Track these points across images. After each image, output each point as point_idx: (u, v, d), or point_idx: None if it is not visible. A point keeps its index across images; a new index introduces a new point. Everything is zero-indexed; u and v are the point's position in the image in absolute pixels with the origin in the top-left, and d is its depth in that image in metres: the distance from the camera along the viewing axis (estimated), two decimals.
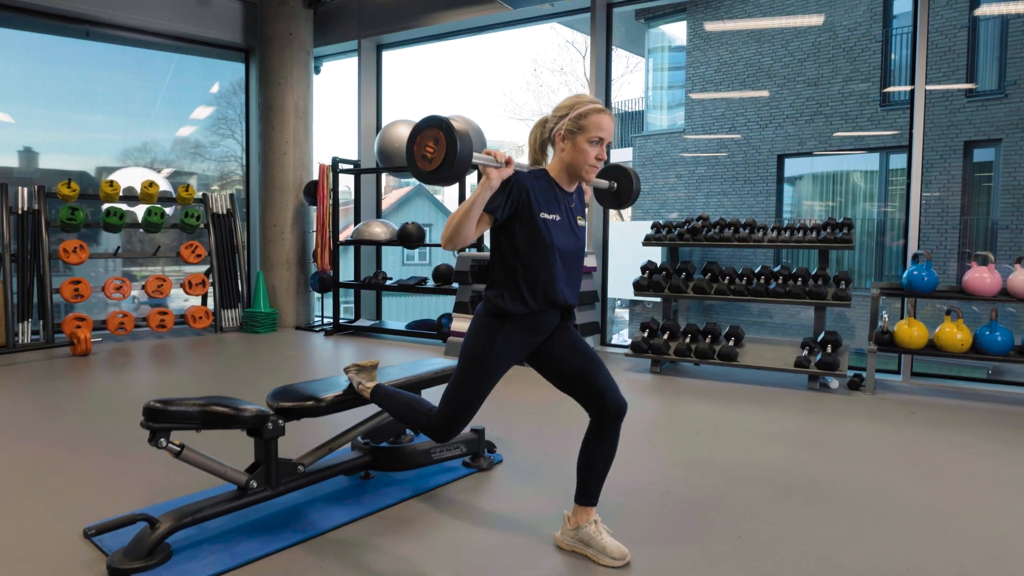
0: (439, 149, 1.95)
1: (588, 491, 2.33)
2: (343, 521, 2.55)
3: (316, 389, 2.69)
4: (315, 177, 7.76)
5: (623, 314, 11.47)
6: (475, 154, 1.98)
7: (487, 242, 7.19)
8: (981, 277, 4.52)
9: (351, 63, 8.20)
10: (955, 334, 4.51)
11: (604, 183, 2.64)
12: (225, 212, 7.43)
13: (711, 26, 11.84)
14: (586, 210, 2.46)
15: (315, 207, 7.55)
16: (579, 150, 2.20)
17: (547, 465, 3.21)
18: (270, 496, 2.52)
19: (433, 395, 4.47)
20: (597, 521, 2.32)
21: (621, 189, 2.67)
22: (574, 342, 2.35)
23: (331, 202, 7.36)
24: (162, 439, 2.24)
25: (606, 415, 2.26)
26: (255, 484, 2.46)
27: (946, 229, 9.81)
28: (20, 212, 6.15)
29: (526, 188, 2.17)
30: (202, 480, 2.82)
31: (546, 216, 2.20)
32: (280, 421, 2.50)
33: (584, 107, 2.20)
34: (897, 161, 10.20)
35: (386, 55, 8.20)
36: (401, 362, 5.65)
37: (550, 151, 2.33)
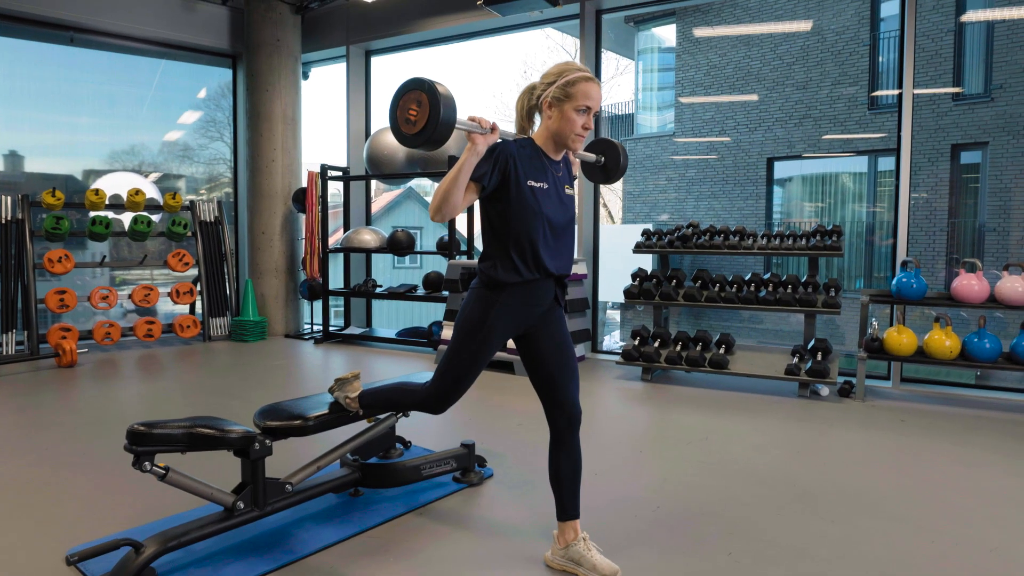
0: (422, 112, 1.92)
1: (565, 504, 2.33)
2: (332, 541, 2.52)
3: (303, 408, 2.66)
4: (304, 184, 7.71)
5: (614, 315, 11.47)
6: (459, 119, 1.95)
7: (479, 245, 7.17)
8: (969, 284, 4.54)
9: (339, 69, 8.16)
10: (944, 341, 4.52)
11: (591, 156, 2.62)
12: (213, 220, 7.38)
13: (700, 31, 11.86)
14: (575, 182, 2.43)
15: (304, 214, 7.51)
16: (566, 118, 2.18)
17: (538, 479, 3.18)
18: (257, 517, 2.49)
19: None
20: (586, 538, 2.31)
21: (609, 163, 2.64)
22: (560, 344, 2.33)
23: (320, 209, 7.32)
24: (146, 462, 2.21)
25: (560, 420, 2.29)
26: (242, 505, 2.43)
27: (934, 232, 9.86)
28: (4, 221, 6.08)
29: (512, 155, 2.15)
30: (189, 499, 2.78)
31: (533, 184, 2.18)
32: (267, 441, 2.47)
33: (572, 75, 2.17)
34: (885, 164, 10.25)
35: (375, 61, 8.16)
36: (390, 372, 5.63)
37: (537, 119, 2.30)
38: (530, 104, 2.29)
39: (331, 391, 2.70)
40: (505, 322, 2.22)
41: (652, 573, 2.31)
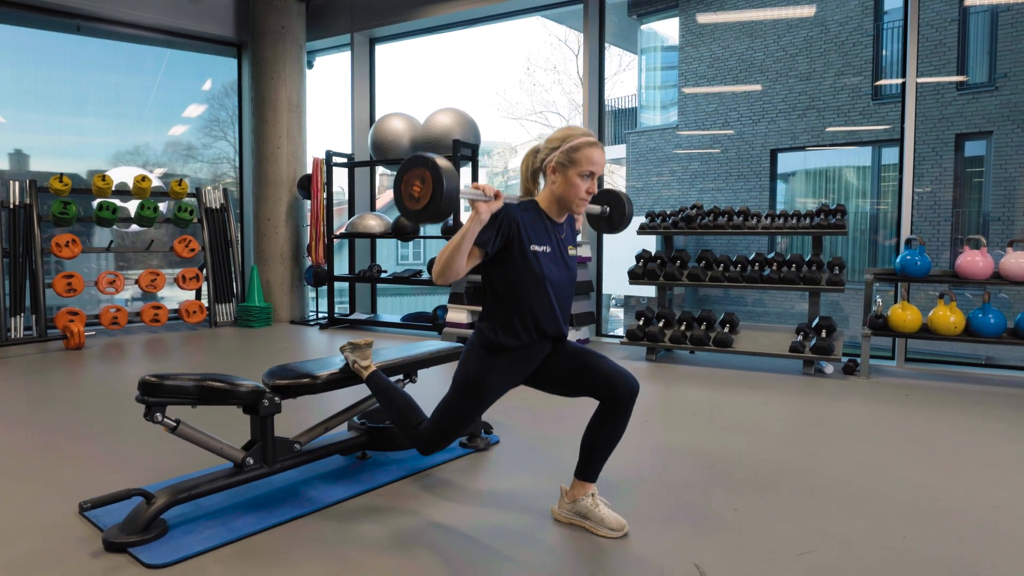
0: (425, 188, 1.95)
1: (590, 468, 2.32)
2: (340, 498, 2.54)
3: (312, 368, 2.69)
4: (309, 171, 7.75)
5: (617, 313, 11.47)
6: (463, 189, 1.98)
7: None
8: (974, 261, 4.54)
9: (344, 57, 8.19)
10: (948, 317, 4.53)
11: (596, 208, 2.65)
12: (218, 207, 7.41)
13: (703, 18, 11.87)
14: (577, 237, 2.46)
15: (309, 201, 7.54)
16: (570, 183, 2.20)
17: (544, 445, 3.21)
18: (267, 473, 2.51)
19: (430, 375, 4.46)
20: (594, 494, 2.32)
21: (614, 214, 2.68)
22: (567, 352, 2.34)
23: (325, 196, 7.35)
24: (158, 413, 2.23)
25: (619, 397, 2.23)
26: (251, 461, 2.46)
27: (938, 222, 9.86)
28: (12, 207, 6.11)
29: (516, 220, 2.17)
30: (197, 461, 2.81)
31: (536, 248, 2.20)
32: (276, 398, 2.49)
33: (576, 140, 2.20)
34: (889, 155, 10.25)
35: (379, 48, 8.19)
36: (398, 353, 5.64)
37: (542, 180, 2.32)
38: (534, 167, 2.31)
39: (342, 350, 2.72)
40: (502, 380, 2.27)
41: (659, 529, 2.33)
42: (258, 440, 2.50)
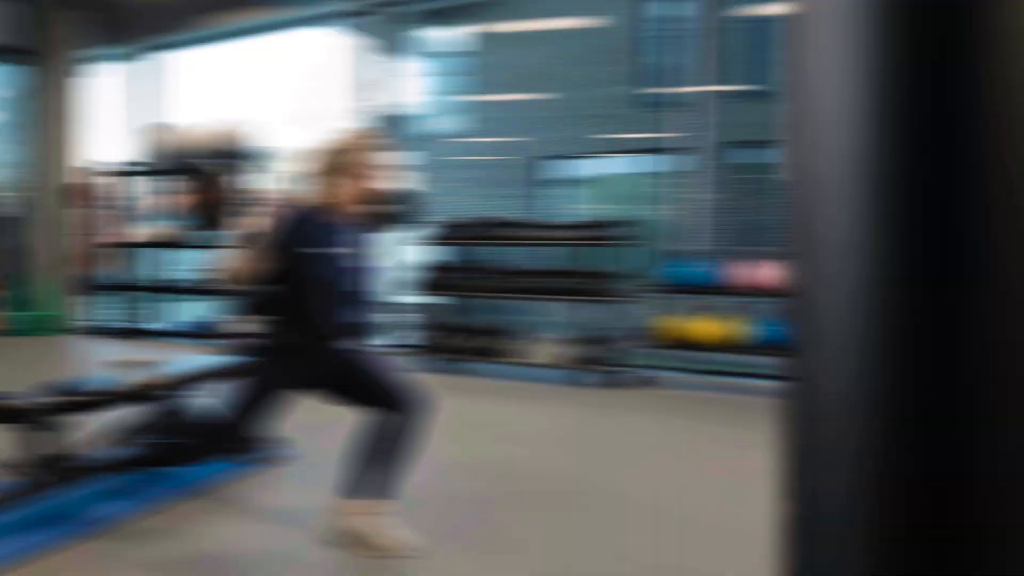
0: (206, 199, 1.93)
1: (373, 484, 2.23)
2: (118, 517, 2.46)
3: (86, 384, 2.58)
4: (82, 180, 7.46)
5: (401, 323, 11.34)
6: (246, 195, 1.96)
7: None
8: (739, 273, 4.99)
9: (127, 67, 8.17)
10: (707, 328, 5.00)
11: (379, 208, 2.67)
12: None
13: (486, 28, 12.01)
14: (363, 239, 2.46)
15: (81, 210, 7.29)
16: (351, 185, 2.25)
17: (332, 462, 3.09)
18: (40, 492, 2.40)
19: (214, 388, 4.18)
20: (377, 512, 2.25)
21: (396, 212, 2.72)
22: (354, 361, 2.34)
23: (97, 204, 7.19)
24: None
25: (405, 411, 2.26)
26: (20, 479, 2.34)
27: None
28: None
29: (300, 223, 2.20)
30: None
31: (321, 250, 2.22)
32: (49, 416, 2.38)
33: (357, 143, 2.28)
34: (661, 163, 10.81)
35: (163, 57, 8.17)
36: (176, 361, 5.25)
37: (325, 183, 2.28)
38: (319, 170, 2.28)
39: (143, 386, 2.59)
40: (289, 383, 2.31)
41: (444, 545, 2.35)
42: (28, 458, 2.35)
